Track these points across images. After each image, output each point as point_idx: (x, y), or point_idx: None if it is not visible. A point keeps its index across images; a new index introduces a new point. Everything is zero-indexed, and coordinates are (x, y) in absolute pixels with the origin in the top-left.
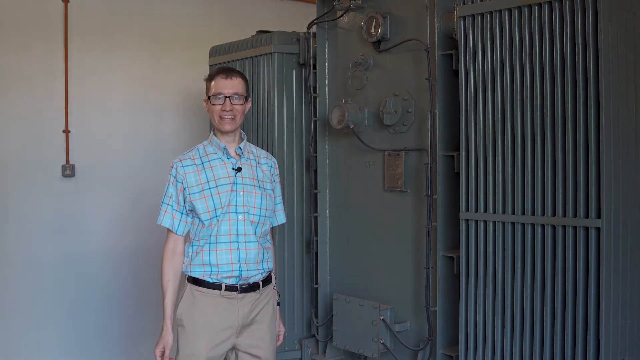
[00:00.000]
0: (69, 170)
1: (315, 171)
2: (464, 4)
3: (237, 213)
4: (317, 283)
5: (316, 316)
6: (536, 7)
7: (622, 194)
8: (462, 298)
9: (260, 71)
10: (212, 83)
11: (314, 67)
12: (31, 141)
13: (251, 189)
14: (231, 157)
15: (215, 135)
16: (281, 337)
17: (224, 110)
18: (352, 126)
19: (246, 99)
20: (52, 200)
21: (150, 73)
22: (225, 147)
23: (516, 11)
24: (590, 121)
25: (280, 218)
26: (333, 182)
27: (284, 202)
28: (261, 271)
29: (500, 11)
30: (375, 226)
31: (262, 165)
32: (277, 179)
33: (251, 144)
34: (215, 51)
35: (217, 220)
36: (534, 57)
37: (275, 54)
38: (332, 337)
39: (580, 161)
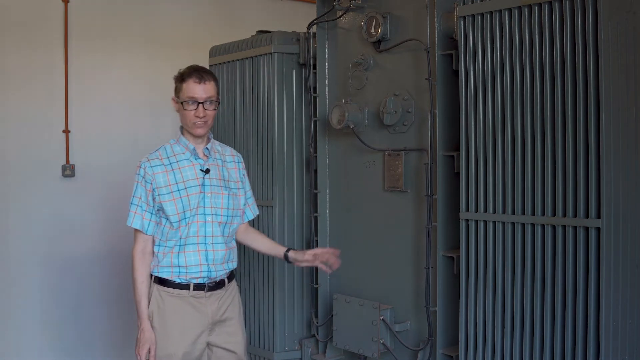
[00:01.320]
0: (69, 170)
1: (315, 171)
2: (464, 4)
3: (205, 215)
4: (317, 283)
5: (316, 316)
6: (536, 7)
7: (622, 194)
8: (462, 298)
9: (260, 71)
10: (184, 85)
11: (314, 67)
12: (31, 141)
13: (218, 190)
14: (199, 158)
15: (183, 134)
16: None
17: (197, 117)
18: (352, 126)
19: (218, 101)
20: (52, 201)
21: (150, 73)
22: (194, 149)
23: (516, 11)
24: (590, 121)
25: (254, 211)
26: (333, 182)
27: (284, 202)
28: (227, 270)
29: (500, 11)
30: (375, 226)
31: (227, 164)
32: (245, 172)
33: (216, 141)
34: (215, 51)
35: (187, 223)
36: (534, 57)
37: (275, 54)
38: (332, 337)
39: (580, 161)
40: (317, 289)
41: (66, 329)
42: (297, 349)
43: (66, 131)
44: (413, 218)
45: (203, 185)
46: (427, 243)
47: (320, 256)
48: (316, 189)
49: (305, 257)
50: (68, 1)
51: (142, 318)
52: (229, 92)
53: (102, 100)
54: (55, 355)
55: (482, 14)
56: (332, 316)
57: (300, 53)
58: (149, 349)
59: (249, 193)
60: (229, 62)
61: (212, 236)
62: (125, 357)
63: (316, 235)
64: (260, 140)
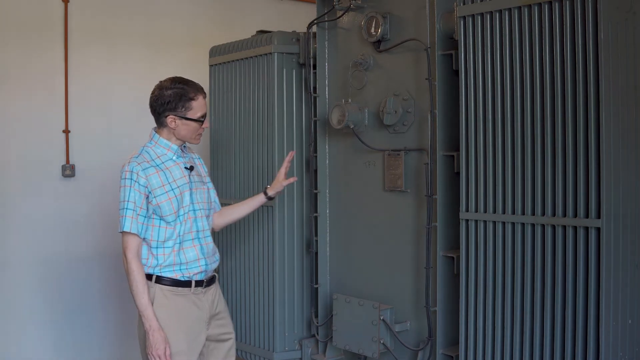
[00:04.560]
0: (69, 171)
1: (315, 171)
2: (464, 4)
3: (194, 210)
4: (317, 283)
5: (316, 316)
6: (536, 7)
7: (622, 194)
8: (462, 298)
9: (260, 71)
10: (194, 104)
11: (314, 67)
12: (31, 141)
13: (200, 185)
14: (180, 157)
15: (162, 137)
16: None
17: (203, 128)
18: (352, 126)
19: None
20: (52, 201)
21: (150, 73)
22: (177, 148)
23: (516, 11)
24: (590, 121)
25: (219, 204)
26: (333, 182)
27: (284, 202)
28: (216, 263)
29: (500, 11)
30: (375, 226)
31: (196, 160)
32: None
33: None
34: (215, 51)
35: (182, 220)
36: (534, 57)
37: (275, 54)
38: (332, 337)
39: (580, 161)
40: (317, 288)
41: (66, 329)
42: (297, 349)
43: (66, 131)
44: (413, 218)
45: (190, 182)
46: (427, 243)
47: (282, 176)
48: (316, 189)
49: (280, 180)
50: (68, 1)
51: (151, 318)
52: (229, 92)
53: (102, 100)
54: (55, 355)
55: (482, 14)
56: (332, 316)
57: (300, 53)
58: (165, 348)
59: (214, 189)
60: (229, 62)
61: (203, 230)
62: (129, 358)
63: (316, 235)
64: (260, 140)
